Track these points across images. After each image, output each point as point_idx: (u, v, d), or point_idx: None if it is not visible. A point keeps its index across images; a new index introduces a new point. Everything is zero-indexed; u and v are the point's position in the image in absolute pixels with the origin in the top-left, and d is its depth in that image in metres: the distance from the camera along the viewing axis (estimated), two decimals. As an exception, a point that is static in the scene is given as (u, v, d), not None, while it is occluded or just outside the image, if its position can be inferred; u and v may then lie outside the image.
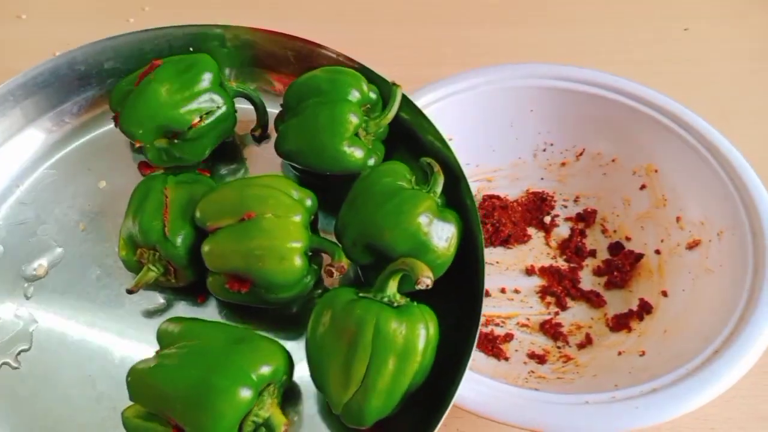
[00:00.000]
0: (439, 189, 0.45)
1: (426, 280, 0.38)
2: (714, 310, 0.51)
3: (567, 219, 0.65)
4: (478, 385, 0.45)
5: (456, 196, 0.46)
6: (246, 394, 0.36)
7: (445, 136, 0.65)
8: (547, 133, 0.67)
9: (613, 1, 0.93)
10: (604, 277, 0.61)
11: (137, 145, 0.49)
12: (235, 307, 0.46)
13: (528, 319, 0.58)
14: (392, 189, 0.43)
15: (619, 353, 0.54)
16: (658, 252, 0.60)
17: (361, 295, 0.40)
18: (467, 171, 0.66)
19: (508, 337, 0.57)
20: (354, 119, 0.47)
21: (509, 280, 0.61)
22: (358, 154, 0.47)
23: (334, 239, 0.46)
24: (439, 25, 0.90)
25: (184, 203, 0.45)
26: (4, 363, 0.45)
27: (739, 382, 0.46)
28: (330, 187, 0.47)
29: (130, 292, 0.45)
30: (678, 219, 0.60)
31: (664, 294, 0.57)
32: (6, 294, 0.47)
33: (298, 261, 0.42)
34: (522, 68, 0.65)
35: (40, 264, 0.49)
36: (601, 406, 0.45)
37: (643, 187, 0.63)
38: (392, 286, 0.40)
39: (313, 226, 0.46)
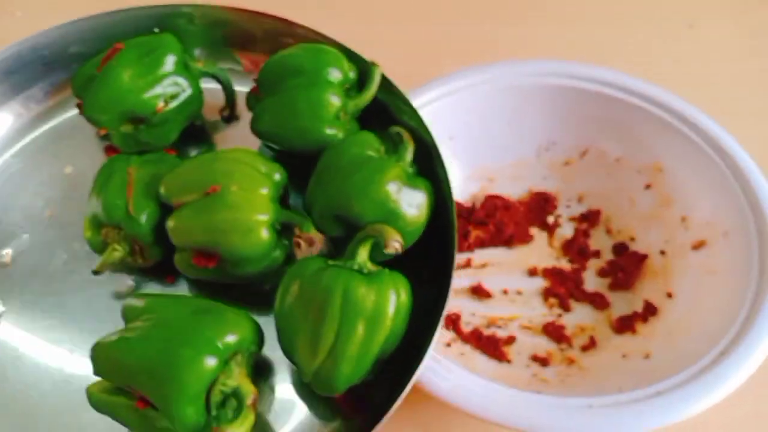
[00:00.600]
0: (408, 157, 0.45)
1: (395, 244, 0.38)
2: (719, 312, 0.51)
3: (570, 219, 0.65)
4: (481, 387, 0.45)
5: (428, 167, 0.46)
6: (211, 362, 0.36)
7: (447, 134, 0.65)
8: (550, 131, 0.66)
9: (617, -2, 0.92)
10: (608, 278, 0.60)
11: (102, 133, 0.48)
12: (204, 285, 0.46)
13: (531, 321, 0.58)
14: (360, 159, 0.43)
15: (624, 355, 0.54)
16: (663, 253, 0.59)
17: (330, 263, 0.40)
18: (469, 170, 0.66)
19: (511, 340, 0.56)
20: (336, 102, 0.46)
21: (512, 282, 0.61)
22: (339, 135, 0.47)
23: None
24: (439, 24, 0.89)
25: (148, 181, 0.45)
26: None
27: (744, 384, 0.45)
28: (305, 165, 0.46)
29: (96, 273, 0.45)
30: (683, 219, 0.59)
31: (669, 295, 0.57)
32: None
33: (264, 234, 0.41)
34: (525, 66, 0.65)
35: (6, 252, 0.48)
36: (605, 409, 0.44)
37: (648, 186, 0.62)
38: (362, 254, 0.40)
39: (284, 202, 0.45)
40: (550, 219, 0.64)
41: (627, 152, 0.64)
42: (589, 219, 0.64)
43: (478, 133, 0.65)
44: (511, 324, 0.58)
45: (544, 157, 0.67)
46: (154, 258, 0.46)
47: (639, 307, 0.57)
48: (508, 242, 0.63)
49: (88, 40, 0.52)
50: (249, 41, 0.55)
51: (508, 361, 0.55)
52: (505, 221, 0.63)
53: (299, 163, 0.46)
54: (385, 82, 0.50)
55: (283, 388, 0.43)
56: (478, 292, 0.59)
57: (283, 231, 0.43)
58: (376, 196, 0.42)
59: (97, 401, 0.38)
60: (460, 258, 0.62)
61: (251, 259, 0.42)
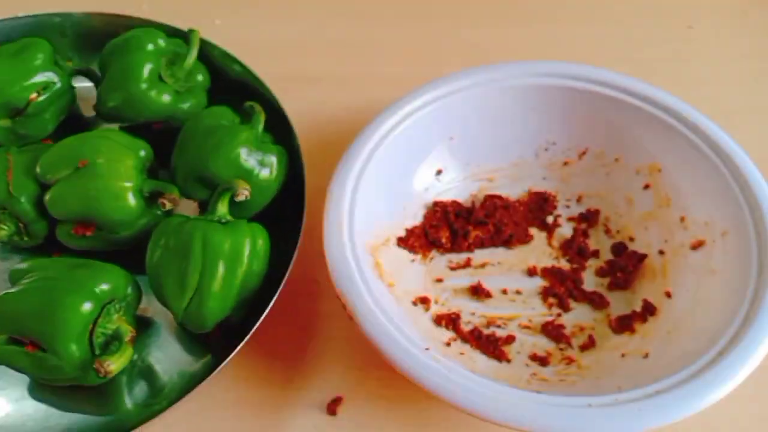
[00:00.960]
0: (260, 126, 0.51)
1: (244, 191, 0.45)
2: (718, 311, 0.51)
3: (569, 219, 0.65)
4: (480, 387, 0.45)
5: (283, 138, 0.54)
6: (87, 306, 0.42)
7: (447, 134, 0.65)
8: (549, 132, 0.66)
9: (616, -1, 0.92)
10: (607, 278, 0.60)
11: None
12: (86, 255, 0.49)
13: (530, 320, 0.58)
14: (214, 127, 0.50)
15: (623, 355, 0.54)
16: (661, 252, 0.60)
17: (191, 217, 0.46)
18: (468, 170, 0.66)
19: (510, 339, 0.56)
20: (148, 65, 0.52)
21: (511, 281, 0.61)
22: (165, 98, 0.53)
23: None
24: (439, 25, 0.89)
25: (27, 164, 0.49)
26: None
27: (743, 383, 0.45)
28: (170, 143, 0.53)
29: None
30: (682, 219, 0.59)
31: (668, 295, 0.57)
32: None
33: (131, 199, 0.47)
34: (524, 66, 0.65)
35: None
36: (604, 408, 0.44)
37: (646, 186, 0.63)
38: (221, 209, 0.46)
39: (151, 173, 0.51)
40: (549, 219, 0.65)
41: (626, 152, 0.64)
42: (588, 219, 0.64)
43: (478, 133, 0.65)
44: (511, 323, 0.58)
45: (543, 157, 0.67)
46: (40, 234, 0.51)
47: (638, 307, 0.57)
48: (507, 242, 0.63)
49: None
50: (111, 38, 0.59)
51: (508, 361, 0.55)
52: (504, 221, 0.63)
53: (162, 143, 0.52)
54: (246, 69, 0.57)
55: (163, 338, 0.50)
56: (478, 291, 0.59)
57: (152, 198, 0.49)
58: (228, 156, 0.48)
59: None
60: (459, 258, 0.62)
61: (123, 223, 0.48)
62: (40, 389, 0.46)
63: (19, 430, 0.44)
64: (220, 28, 0.90)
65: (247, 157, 0.49)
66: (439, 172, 0.66)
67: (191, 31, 0.54)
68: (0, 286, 0.49)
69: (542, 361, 0.55)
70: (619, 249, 0.62)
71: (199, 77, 0.57)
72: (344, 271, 0.51)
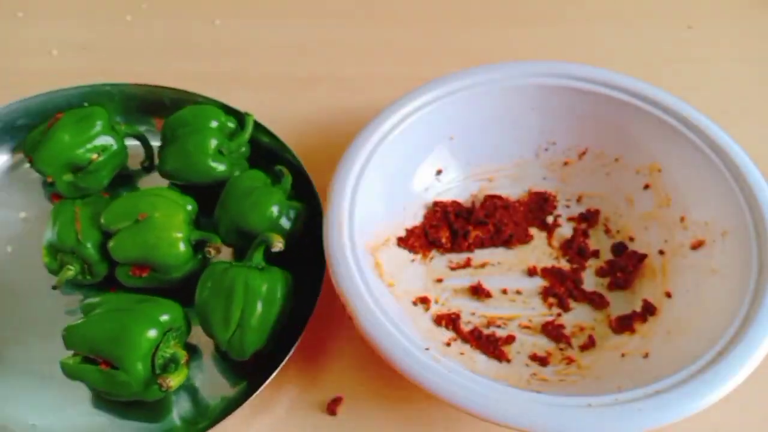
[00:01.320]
0: (287, 186, 0.61)
1: (278, 244, 0.53)
2: (718, 311, 0.51)
3: (569, 219, 0.65)
4: (480, 387, 0.45)
5: (303, 191, 0.63)
6: (153, 333, 0.50)
7: (447, 134, 0.65)
8: (549, 132, 0.66)
9: (616, -1, 0.92)
10: (607, 278, 0.60)
11: (49, 180, 0.63)
12: (141, 292, 0.57)
13: (530, 320, 0.58)
14: (251, 188, 0.59)
15: (623, 355, 0.54)
16: (661, 252, 0.60)
17: (233, 264, 0.55)
18: (468, 170, 0.66)
19: (510, 339, 0.56)
20: (213, 141, 0.63)
21: (511, 281, 0.61)
22: (221, 167, 0.63)
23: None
24: (439, 25, 0.89)
25: (91, 215, 0.59)
26: None
27: (743, 383, 0.45)
28: (209, 199, 0.62)
29: (55, 287, 0.58)
30: (682, 219, 0.59)
31: (668, 295, 0.57)
32: None
33: (182, 246, 0.56)
34: (524, 66, 0.65)
35: None
36: (604, 408, 0.44)
37: (646, 186, 0.63)
38: (257, 256, 0.55)
39: (197, 224, 0.60)
40: (549, 219, 0.65)
41: (625, 153, 0.64)
42: (588, 219, 0.64)
43: (478, 133, 0.65)
44: (511, 323, 0.58)
45: (543, 157, 0.67)
46: (101, 274, 0.59)
47: (638, 307, 0.57)
48: (507, 242, 0.63)
49: (31, 114, 0.69)
50: (159, 108, 0.71)
51: (508, 361, 0.55)
52: (504, 221, 0.63)
53: (206, 197, 0.62)
54: (276, 138, 0.67)
55: (206, 363, 0.58)
56: (478, 291, 0.59)
57: (198, 246, 0.58)
58: (263, 213, 0.57)
59: (69, 370, 0.51)
60: (459, 258, 0.62)
61: (174, 267, 0.56)
62: (103, 405, 0.54)
63: (94, 427, 0.53)
64: (219, 28, 0.90)
65: (278, 214, 0.58)
66: (439, 172, 0.66)
67: (247, 114, 0.65)
68: (62, 317, 0.58)
69: (542, 361, 0.55)
70: (619, 249, 0.62)
71: (243, 149, 0.66)
72: (344, 271, 0.51)
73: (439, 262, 0.62)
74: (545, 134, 0.66)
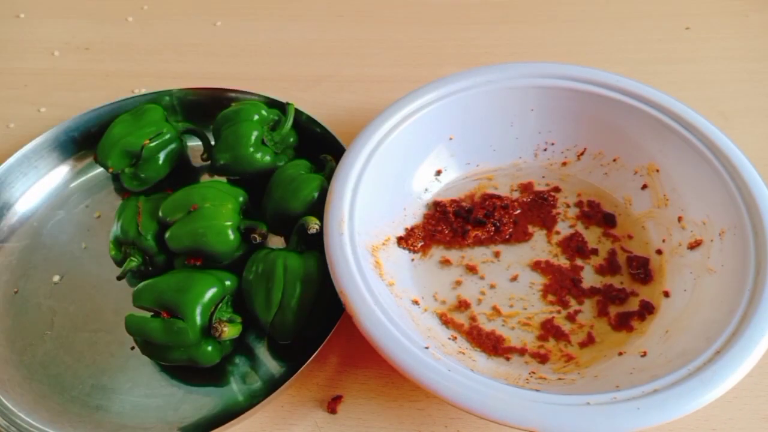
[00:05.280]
0: (329, 173, 0.61)
1: (314, 226, 0.55)
2: (716, 310, 0.51)
3: (569, 218, 0.65)
4: (480, 385, 0.45)
5: None
6: (215, 289, 0.54)
7: (447, 134, 0.65)
8: (548, 132, 0.66)
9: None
10: (606, 276, 0.61)
11: (110, 171, 0.67)
12: None
13: (529, 318, 0.58)
14: (294, 176, 0.62)
15: (621, 353, 0.54)
16: (659, 252, 0.60)
17: (275, 248, 0.58)
18: (468, 170, 0.66)
19: (509, 337, 0.57)
20: (255, 132, 0.65)
21: (510, 280, 0.61)
22: (266, 158, 0.65)
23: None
24: (439, 25, 0.90)
25: (152, 209, 0.62)
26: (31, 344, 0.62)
27: (740, 382, 0.45)
28: (263, 191, 0.65)
29: (119, 278, 0.61)
30: (680, 219, 0.60)
31: (666, 294, 0.57)
32: (37, 295, 0.65)
33: (231, 234, 0.58)
34: (523, 67, 0.65)
35: (56, 276, 0.66)
36: (602, 406, 0.44)
37: (644, 186, 0.63)
38: (297, 240, 0.57)
39: (247, 214, 0.62)
40: (549, 218, 0.65)
41: (624, 153, 0.64)
42: (587, 218, 0.64)
43: (478, 133, 0.66)
44: (510, 321, 0.58)
45: (542, 157, 0.67)
46: (160, 264, 0.62)
47: (636, 306, 0.57)
48: (506, 241, 0.63)
49: (104, 122, 0.72)
50: (215, 106, 0.73)
51: (507, 359, 0.55)
52: (503, 220, 0.63)
53: (260, 189, 0.65)
54: (325, 129, 0.69)
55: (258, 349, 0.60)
56: (477, 291, 0.59)
57: (247, 233, 0.59)
58: (303, 198, 0.60)
59: (131, 324, 0.54)
60: (459, 257, 0.62)
61: (224, 254, 0.59)
62: (165, 385, 0.58)
63: (153, 407, 0.56)
64: (220, 29, 0.90)
65: (318, 199, 0.60)
66: (438, 172, 0.66)
67: (288, 104, 0.68)
68: (127, 307, 0.58)
69: (541, 358, 0.55)
70: (615, 261, 0.62)
71: (291, 139, 0.68)
72: (344, 271, 0.51)
73: (439, 261, 0.62)
74: (544, 135, 0.67)
